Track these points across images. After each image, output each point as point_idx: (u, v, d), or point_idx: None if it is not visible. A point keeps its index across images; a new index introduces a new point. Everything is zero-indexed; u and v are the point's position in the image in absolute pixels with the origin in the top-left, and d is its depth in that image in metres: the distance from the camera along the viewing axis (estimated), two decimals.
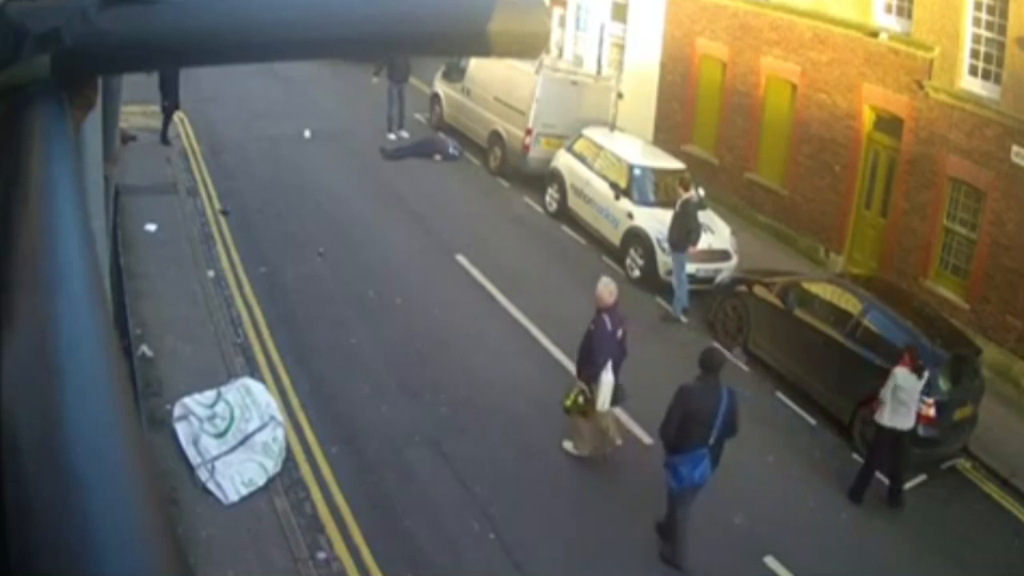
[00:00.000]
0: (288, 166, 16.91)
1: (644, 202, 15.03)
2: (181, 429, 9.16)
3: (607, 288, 9.46)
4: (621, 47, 20.86)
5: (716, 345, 8.90)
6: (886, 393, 9.91)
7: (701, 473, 8.17)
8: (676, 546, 8.58)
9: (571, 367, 11.83)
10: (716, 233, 14.63)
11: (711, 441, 8.14)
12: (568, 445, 9.98)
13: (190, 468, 8.80)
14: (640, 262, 14.66)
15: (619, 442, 9.87)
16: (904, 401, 9.87)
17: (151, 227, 13.59)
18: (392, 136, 19.09)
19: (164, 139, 17.01)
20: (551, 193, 16.81)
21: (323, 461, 9.45)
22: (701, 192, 14.69)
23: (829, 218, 16.21)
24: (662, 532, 8.76)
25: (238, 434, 9.12)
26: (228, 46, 1.02)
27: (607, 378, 9.06)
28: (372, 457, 9.64)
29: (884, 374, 11.01)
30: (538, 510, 9.21)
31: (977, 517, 10.41)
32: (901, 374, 9.91)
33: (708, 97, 18.64)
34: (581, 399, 9.31)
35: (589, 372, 9.28)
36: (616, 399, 9.45)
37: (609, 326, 9.23)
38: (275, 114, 19.06)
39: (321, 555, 8.22)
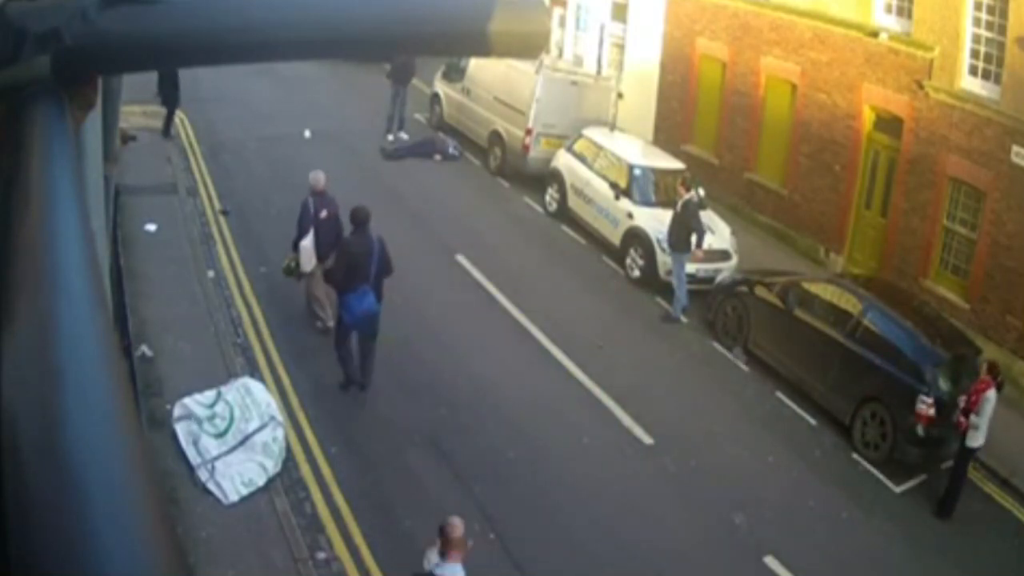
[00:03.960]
0: (288, 166, 16.87)
1: (644, 202, 15.03)
2: (181, 429, 9.16)
3: (315, 176, 11.50)
4: (621, 47, 20.85)
5: (368, 210, 10.46)
6: (982, 419, 10.00)
7: (368, 304, 10.03)
8: (348, 371, 10.47)
9: (570, 365, 11.87)
10: (716, 233, 14.61)
11: (371, 279, 10.01)
12: (319, 323, 11.62)
13: (190, 468, 8.80)
14: (640, 262, 14.66)
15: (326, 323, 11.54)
16: (989, 416, 10.07)
17: (151, 227, 13.59)
18: (391, 137, 19.06)
19: (166, 133, 17.15)
20: (551, 193, 16.81)
21: (323, 461, 9.45)
22: (701, 192, 14.68)
23: (829, 218, 16.21)
24: (349, 378, 10.54)
25: (238, 434, 9.12)
26: (228, 46, 1.02)
27: (305, 244, 11.12)
28: (372, 457, 9.65)
29: (884, 374, 11.05)
30: (538, 510, 9.21)
31: (977, 517, 10.41)
32: (993, 395, 10.05)
33: (708, 97, 18.64)
34: (293, 264, 11.47)
35: (295, 241, 11.37)
36: (327, 277, 11.14)
37: (313, 209, 11.22)
38: (275, 114, 19.04)
39: (321, 555, 8.22)
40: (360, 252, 10.01)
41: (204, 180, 15.95)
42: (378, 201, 16.25)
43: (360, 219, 10.17)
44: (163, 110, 17.21)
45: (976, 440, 10.12)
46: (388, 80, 19.26)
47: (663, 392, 11.80)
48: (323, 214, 11.24)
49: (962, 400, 10.21)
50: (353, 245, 10.11)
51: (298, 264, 11.36)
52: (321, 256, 11.13)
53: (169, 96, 16.91)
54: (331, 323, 11.14)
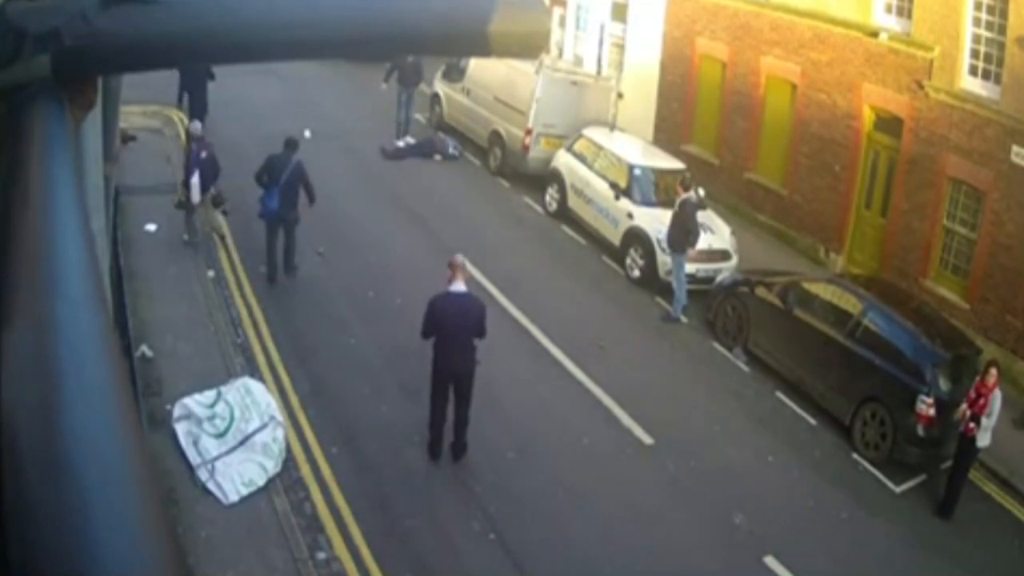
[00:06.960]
0: None
1: (644, 202, 15.03)
2: (181, 429, 9.16)
3: (194, 126, 14.02)
4: (621, 47, 20.85)
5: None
6: (992, 419, 9.98)
7: (274, 203, 12.70)
8: (271, 263, 12.93)
9: (570, 365, 11.87)
10: (716, 233, 14.62)
11: (281, 184, 12.67)
12: (185, 236, 13.51)
13: (190, 468, 8.79)
14: (640, 262, 14.66)
15: (222, 234, 14.00)
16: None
17: (151, 227, 13.60)
18: (400, 143, 18.92)
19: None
20: (551, 193, 16.81)
21: (323, 461, 9.44)
22: (701, 192, 14.68)
23: (829, 218, 16.21)
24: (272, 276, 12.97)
25: (238, 434, 9.12)
26: (227, 46, 1.02)
27: (193, 181, 13.24)
28: (372, 457, 9.64)
29: (884, 374, 11.05)
30: (538, 510, 9.21)
31: (977, 517, 10.41)
32: (999, 394, 10.03)
33: (708, 97, 18.64)
34: (184, 197, 13.50)
35: (184, 180, 13.62)
36: (216, 202, 13.73)
37: (196, 151, 13.47)
38: (275, 114, 19.00)
39: (321, 555, 8.22)
40: (277, 164, 12.78)
41: None
42: (378, 201, 16.33)
43: (287, 143, 13.01)
44: (164, 110, 17.23)
45: (985, 439, 10.11)
46: (384, 84, 19.00)
47: (663, 392, 11.80)
48: (203, 155, 13.40)
49: (967, 411, 10.07)
50: (275, 160, 12.89)
51: (188, 198, 13.43)
52: (204, 188, 13.36)
53: (197, 102, 17.00)
54: (196, 239, 13.56)
